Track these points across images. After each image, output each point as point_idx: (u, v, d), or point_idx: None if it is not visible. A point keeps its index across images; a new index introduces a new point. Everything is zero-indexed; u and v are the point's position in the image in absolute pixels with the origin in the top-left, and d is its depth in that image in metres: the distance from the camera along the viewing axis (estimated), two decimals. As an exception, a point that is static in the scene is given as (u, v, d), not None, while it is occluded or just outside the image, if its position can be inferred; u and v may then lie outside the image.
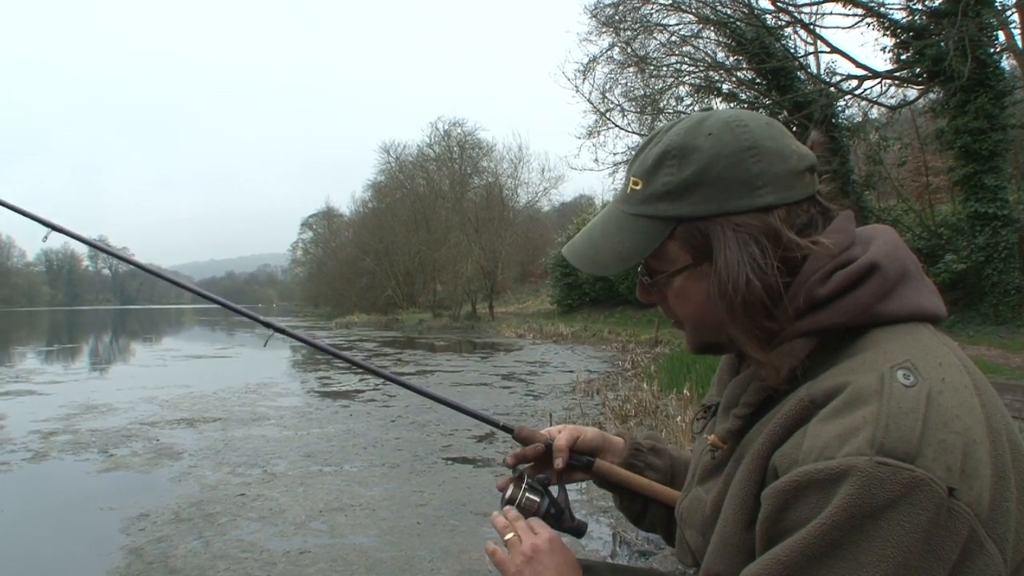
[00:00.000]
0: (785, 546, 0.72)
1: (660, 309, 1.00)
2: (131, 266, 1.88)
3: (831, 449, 0.71)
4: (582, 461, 1.30)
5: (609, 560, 3.77)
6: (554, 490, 1.28)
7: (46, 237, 1.66)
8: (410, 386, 1.52)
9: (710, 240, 0.87)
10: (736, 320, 0.85)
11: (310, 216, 73.10)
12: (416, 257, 46.48)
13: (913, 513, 0.67)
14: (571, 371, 13.51)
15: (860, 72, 16.09)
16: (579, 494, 4.90)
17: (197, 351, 21.40)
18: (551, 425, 1.37)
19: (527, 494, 1.24)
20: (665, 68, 18.48)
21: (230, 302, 1.69)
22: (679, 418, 6.65)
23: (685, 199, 0.88)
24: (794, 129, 15.44)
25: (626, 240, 0.93)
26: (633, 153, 0.99)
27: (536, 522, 1.14)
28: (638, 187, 0.93)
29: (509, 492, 1.24)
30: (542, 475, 1.29)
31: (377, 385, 11.43)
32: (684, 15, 17.60)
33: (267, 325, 1.55)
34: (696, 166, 0.87)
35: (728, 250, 0.85)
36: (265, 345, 1.61)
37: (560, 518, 1.25)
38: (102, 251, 1.83)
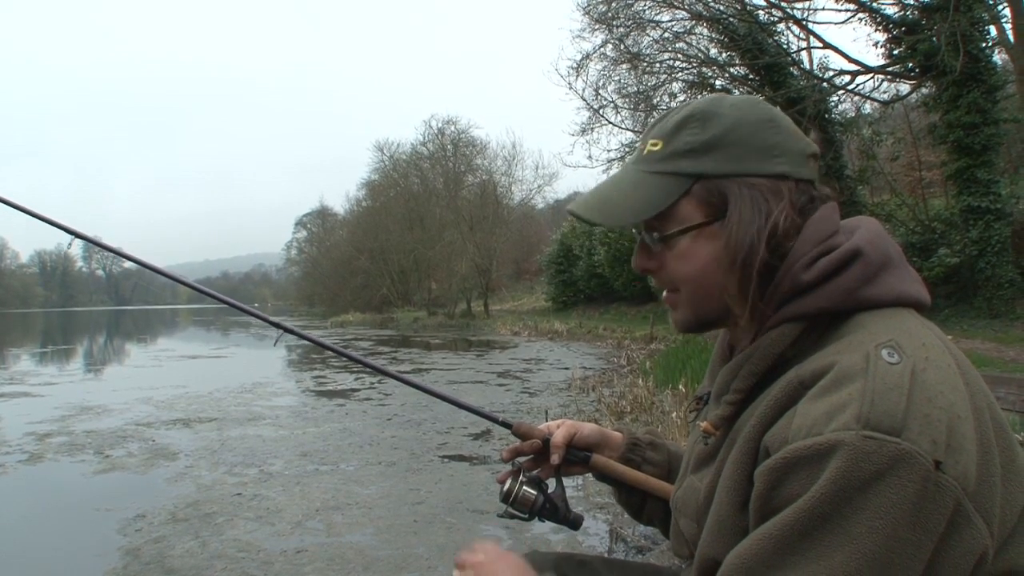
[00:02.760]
0: (775, 522, 0.73)
1: (653, 279, 0.98)
2: (139, 267, 1.88)
3: (819, 426, 0.72)
4: (579, 456, 1.31)
5: (605, 556, 3.78)
6: (552, 484, 1.30)
7: (70, 244, 1.69)
8: (415, 384, 1.55)
9: (726, 198, 0.89)
10: (740, 278, 0.87)
11: (304, 215, 73.34)
12: (411, 255, 46.47)
13: (900, 485, 0.68)
14: (566, 368, 13.52)
15: (853, 67, 16.11)
16: (575, 491, 4.91)
17: (192, 351, 21.36)
18: (547, 422, 1.38)
19: (524, 488, 1.27)
20: (658, 65, 18.47)
21: (247, 305, 1.74)
22: (674, 414, 6.66)
23: (706, 157, 0.91)
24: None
25: (642, 195, 0.93)
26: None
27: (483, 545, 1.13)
28: (657, 147, 0.94)
29: (506, 486, 1.28)
30: (538, 470, 1.32)
31: (373, 384, 11.43)
32: (677, 11, 17.60)
33: (276, 325, 1.59)
34: (719, 129, 0.91)
35: (743, 206, 0.88)
36: (275, 344, 1.64)
37: (555, 512, 1.28)
38: (128, 259, 1.81)
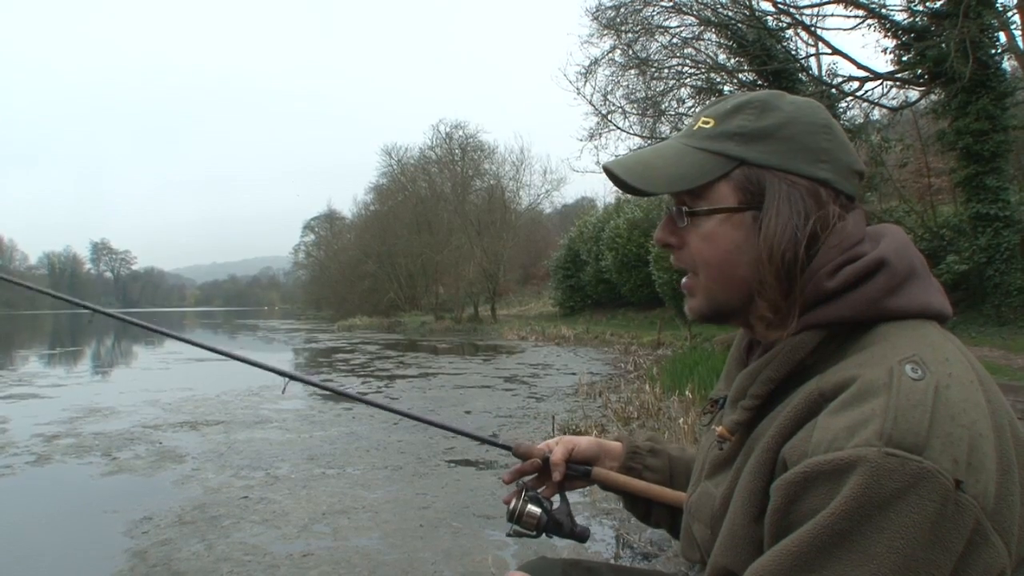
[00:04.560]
0: (795, 537, 0.72)
1: (672, 257, 0.97)
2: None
3: (840, 440, 0.72)
4: (579, 471, 1.33)
5: (612, 562, 3.76)
6: (557, 500, 1.34)
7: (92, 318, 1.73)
8: (415, 416, 1.67)
9: (763, 190, 0.89)
10: (775, 273, 0.86)
11: (312, 219, 73.45)
12: (418, 259, 46.52)
13: (921, 504, 0.67)
14: (573, 373, 13.50)
15: (861, 73, 16.12)
16: (582, 496, 4.89)
17: (199, 354, 21.38)
18: (553, 429, 1.40)
19: (528, 507, 1.30)
20: (666, 70, 18.48)
21: (250, 357, 1.87)
22: (681, 420, 6.64)
23: (754, 145, 0.90)
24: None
25: (683, 166, 0.92)
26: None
27: None
28: (708, 125, 0.94)
29: (511, 506, 1.31)
30: (542, 488, 1.35)
31: (380, 388, 11.46)
32: (685, 17, 17.63)
33: (282, 374, 1.71)
34: (774, 120, 0.91)
35: (781, 201, 0.87)
36: (283, 392, 1.71)
37: (561, 528, 1.31)
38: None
